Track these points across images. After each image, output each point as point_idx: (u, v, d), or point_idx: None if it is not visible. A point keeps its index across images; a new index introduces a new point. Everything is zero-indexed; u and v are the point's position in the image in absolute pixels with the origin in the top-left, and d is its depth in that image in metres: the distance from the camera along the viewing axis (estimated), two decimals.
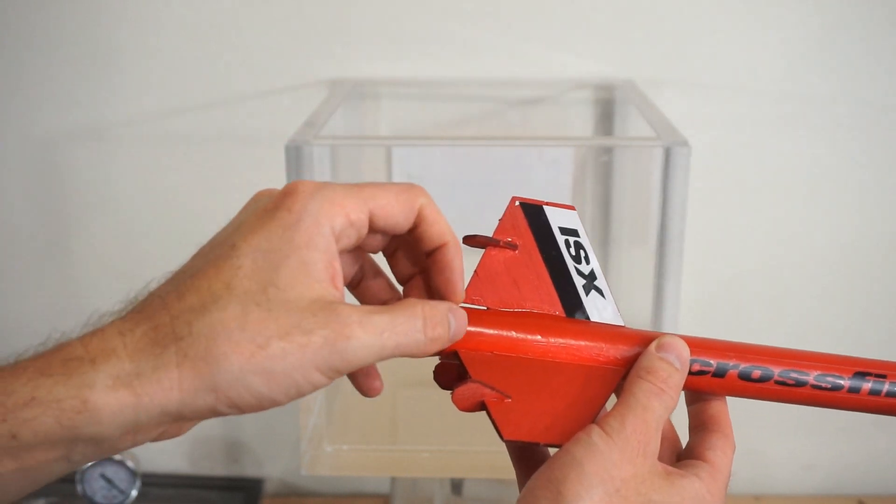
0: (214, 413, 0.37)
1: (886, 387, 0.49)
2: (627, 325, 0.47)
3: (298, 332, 0.37)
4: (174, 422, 0.37)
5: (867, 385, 0.49)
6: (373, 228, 0.42)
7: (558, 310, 0.46)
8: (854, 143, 0.99)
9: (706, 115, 0.97)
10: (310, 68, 0.97)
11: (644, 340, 0.46)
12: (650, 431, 0.42)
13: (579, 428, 0.42)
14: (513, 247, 0.47)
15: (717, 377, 0.48)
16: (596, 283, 0.48)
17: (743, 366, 0.48)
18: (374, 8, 0.95)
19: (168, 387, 0.36)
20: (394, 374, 0.99)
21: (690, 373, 0.46)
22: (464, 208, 1.03)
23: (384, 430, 0.86)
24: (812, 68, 0.96)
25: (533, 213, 0.48)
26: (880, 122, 0.98)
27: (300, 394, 0.38)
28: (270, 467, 1.12)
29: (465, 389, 0.43)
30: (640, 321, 0.79)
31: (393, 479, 0.96)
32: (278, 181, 0.74)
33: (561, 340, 0.45)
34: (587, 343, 0.45)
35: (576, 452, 0.40)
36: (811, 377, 0.48)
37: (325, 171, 0.88)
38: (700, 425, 0.48)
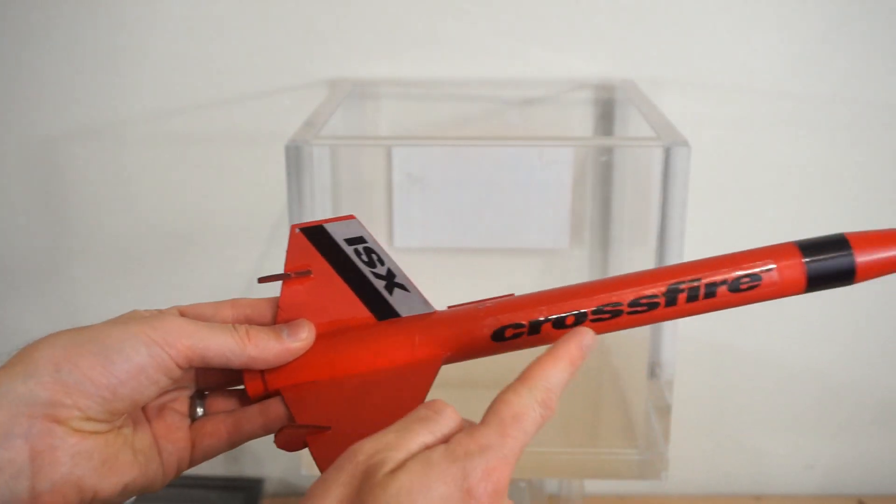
0: None
1: (703, 290, 0.48)
2: (442, 309, 0.47)
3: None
4: None
5: (683, 295, 0.48)
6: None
7: (368, 319, 0.47)
8: (854, 143, 0.99)
9: (706, 115, 0.97)
10: (310, 68, 0.97)
11: (454, 319, 0.46)
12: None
13: None
14: (306, 273, 0.47)
15: (533, 335, 0.46)
16: (396, 280, 0.47)
17: (555, 316, 0.46)
18: (373, 8, 0.95)
19: None
20: None
21: (505, 338, 0.46)
22: (464, 208, 1.03)
23: None
24: (812, 68, 0.96)
25: (316, 235, 0.47)
26: (880, 122, 0.98)
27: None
28: (270, 467, 1.12)
29: (284, 434, 0.43)
30: None
31: None
32: (278, 181, 0.75)
33: (375, 346, 0.45)
34: (399, 340, 0.46)
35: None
36: (625, 305, 0.46)
37: (324, 171, 0.88)
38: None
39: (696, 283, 0.48)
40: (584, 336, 0.42)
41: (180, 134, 0.99)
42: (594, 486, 1.08)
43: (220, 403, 0.47)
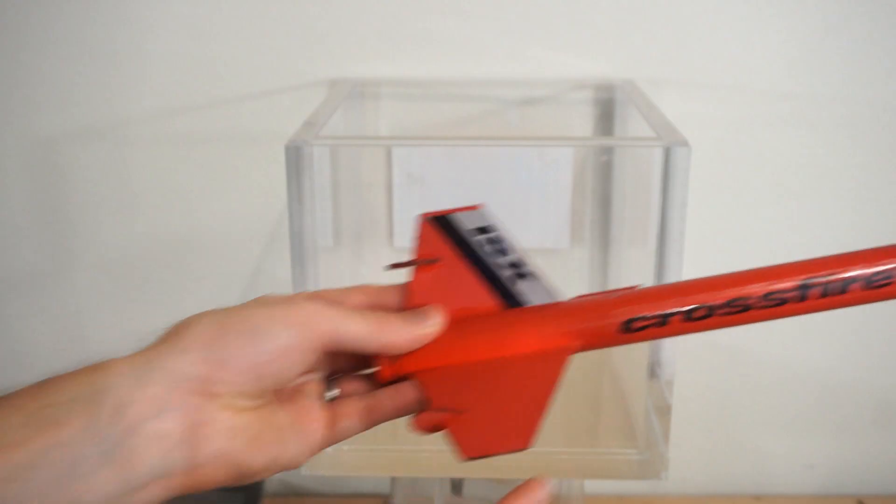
0: None
1: (837, 286, 0.49)
2: (554, 305, 0.48)
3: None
4: None
5: (816, 291, 0.49)
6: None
7: (495, 308, 0.47)
8: (854, 143, 0.99)
9: (706, 115, 0.97)
10: (310, 68, 0.97)
11: (582, 310, 0.47)
12: None
13: (532, 423, 0.42)
14: (434, 262, 0.48)
15: (662, 327, 0.47)
16: (523, 269, 0.48)
17: (686, 308, 0.47)
18: (373, 8, 0.95)
19: None
20: None
21: (633, 330, 0.47)
22: None
23: (384, 430, 0.86)
24: (812, 68, 0.96)
25: (444, 224, 0.49)
26: (880, 122, 0.98)
27: None
28: None
29: (422, 418, 0.44)
30: None
31: (393, 479, 0.96)
32: (278, 181, 0.75)
33: (503, 335, 0.46)
34: (527, 329, 0.46)
35: None
36: (756, 299, 0.47)
37: (325, 172, 0.88)
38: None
39: (830, 279, 0.49)
40: (537, 492, 0.42)
41: (180, 134, 0.99)
42: (594, 486, 1.08)
43: (350, 387, 0.48)
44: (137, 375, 0.40)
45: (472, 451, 0.42)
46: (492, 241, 0.48)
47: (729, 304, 0.47)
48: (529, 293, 0.48)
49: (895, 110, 0.98)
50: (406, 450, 0.81)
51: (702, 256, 1.00)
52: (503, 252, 0.48)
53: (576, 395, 0.92)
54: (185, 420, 0.40)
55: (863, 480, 1.11)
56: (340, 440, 0.47)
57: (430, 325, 0.46)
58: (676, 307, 0.47)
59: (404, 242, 1.01)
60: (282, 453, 0.43)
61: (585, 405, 0.91)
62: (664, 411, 0.78)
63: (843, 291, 0.49)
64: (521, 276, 0.48)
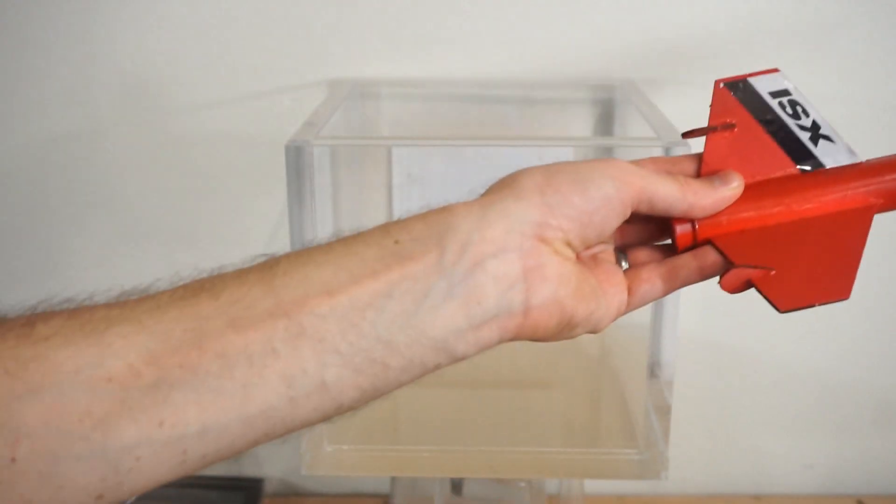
0: None
1: None
2: (854, 165, 0.48)
3: None
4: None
5: None
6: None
7: (793, 170, 0.48)
8: (854, 144, 0.98)
9: (706, 115, 0.97)
10: (310, 68, 0.97)
11: (882, 167, 0.48)
12: None
13: (848, 276, 0.45)
14: (730, 127, 0.49)
15: None
16: (821, 131, 0.49)
17: None
18: (373, 8, 0.95)
19: None
20: None
21: None
22: None
23: (384, 430, 0.86)
24: (812, 68, 0.96)
25: (739, 89, 0.50)
26: (880, 122, 0.98)
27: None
28: (270, 467, 1.12)
29: (731, 276, 0.45)
30: (641, 321, 0.79)
31: (393, 479, 0.96)
32: (278, 181, 0.74)
33: (803, 196, 0.47)
34: (828, 190, 0.47)
35: None
36: None
37: (325, 171, 0.88)
38: None
39: None
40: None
41: (180, 134, 0.99)
42: (594, 486, 1.08)
43: (643, 256, 0.49)
44: (479, 217, 0.42)
45: (790, 302, 0.45)
46: (788, 105, 0.49)
47: None
48: (827, 155, 0.48)
49: (895, 110, 0.98)
50: (406, 450, 0.81)
51: None
52: (799, 115, 0.49)
53: (576, 395, 0.92)
54: (523, 262, 0.41)
55: (863, 480, 1.11)
56: (642, 304, 0.48)
57: (732, 188, 0.47)
58: None
59: None
60: (597, 309, 0.45)
61: (585, 405, 0.91)
62: (664, 411, 0.78)
63: None
64: (819, 138, 0.49)
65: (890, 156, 0.49)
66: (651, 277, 0.48)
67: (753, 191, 0.47)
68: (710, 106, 0.49)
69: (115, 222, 1.03)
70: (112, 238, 1.04)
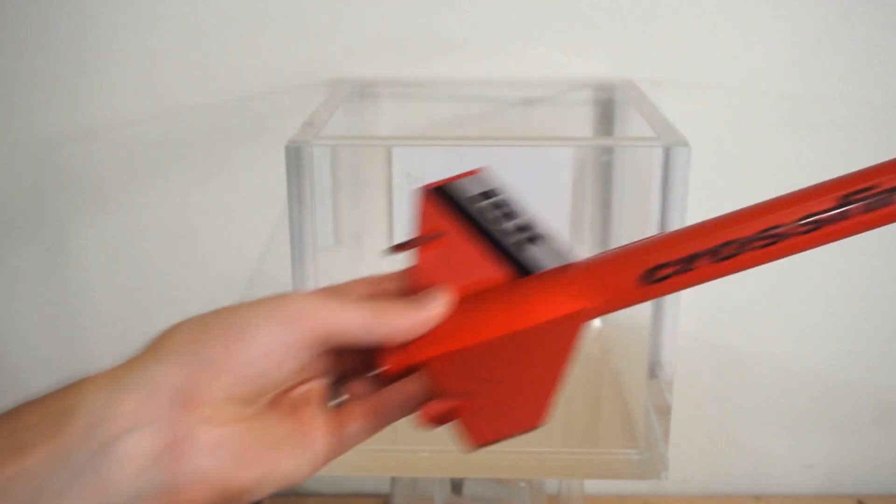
0: None
1: (878, 199, 0.43)
2: (582, 259, 0.44)
3: None
4: None
5: (857, 206, 0.43)
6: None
7: (508, 276, 0.43)
8: (854, 143, 0.99)
9: (706, 115, 0.97)
10: (310, 68, 0.97)
11: (595, 267, 0.43)
12: None
13: (544, 399, 0.39)
14: (438, 236, 0.44)
15: (687, 272, 0.42)
16: (534, 231, 0.44)
17: (712, 248, 0.42)
18: (373, 8, 0.95)
19: None
20: None
21: (656, 280, 0.42)
22: None
23: (384, 430, 0.86)
24: (812, 68, 0.96)
25: (445, 194, 0.45)
26: (880, 122, 0.98)
27: None
28: None
29: (428, 409, 0.40)
30: (641, 321, 0.79)
31: (393, 479, 0.96)
32: (278, 181, 0.74)
33: (514, 307, 0.42)
34: (539, 297, 0.42)
35: None
36: (789, 226, 0.42)
37: (325, 171, 0.88)
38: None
39: (871, 192, 0.42)
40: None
41: (180, 134, 0.99)
42: (594, 486, 1.08)
43: (361, 390, 0.44)
44: (110, 390, 0.37)
45: (482, 437, 0.39)
46: (497, 206, 0.45)
47: (760, 235, 0.42)
48: (541, 258, 0.44)
49: (895, 110, 0.98)
50: (406, 450, 0.81)
51: None
52: (510, 216, 0.44)
53: (576, 395, 0.92)
54: (163, 436, 0.36)
55: (862, 480, 1.11)
56: (348, 448, 0.43)
57: (433, 307, 0.42)
58: (701, 247, 0.42)
59: None
60: (275, 468, 0.39)
61: (585, 405, 0.91)
62: (664, 411, 0.78)
63: (886, 203, 0.42)
64: (532, 239, 0.44)
65: (606, 252, 0.44)
66: (355, 416, 0.43)
67: (467, 305, 0.42)
68: (417, 214, 0.44)
69: (115, 222, 1.03)
70: (112, 237, 1.04)
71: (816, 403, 1.08)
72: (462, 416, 0.40)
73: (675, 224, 0.73)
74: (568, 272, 0.43)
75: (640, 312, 0.80)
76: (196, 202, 1.02)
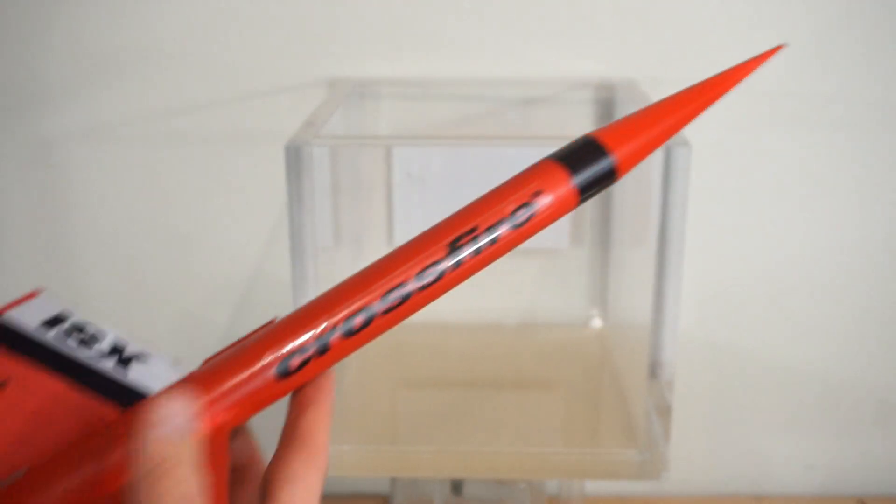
0: None
1: (483, 241, 0.41)
2: (189, 378, 0.36)
3: None
4: None
5: (468, 251, 0.41)
6: None
7: (109, 410, 0.35)
8: (854, 143, 0.99)
9: (706, 115, 0.97)
10: (310, 68, 0.97)
11: (218, 373, 0.35)
12: None
13: None
14: (1, 385, 0.35)
15: (324, 354, 0.37)
16: (127, 351, 0.37)
17: (341, 324, 0.37)
18: (373, 8, 0.95)
19: None
20: (394, 374, 0.99)
21: (293, 371, 0.36)
22: None
23: (384, 430, 0.86)
24: (812, 68, 0.96)
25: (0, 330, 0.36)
26: (880, 122, 0.98)
27: None
28: None
29: None
30: (641, 321, 0.79)
31: (393, 479, 0.96)
32: (278, 181, 0.74)
33: (106, 449, 0.33)
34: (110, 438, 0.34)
35: None
36: (411, 284, 0.39)
37: (324, 172, 0.88)
38: (286, 437, 0.36)
39: (475, 234, 0.41)
40: (330, 379, 0.37)
41: (180, 134, 0.99)
42: (594, 486, 1.08)
43: None
44: None
45: None
46: (73, 331, 0.37)
47: (385, 297, 0.38)
48: (148, 378, 0.37)
49: (895, 110, 0.98)
50: (406, 450, 0.81)
51: (702, 256, 1.01)
52: (93, 340, 0.37)
53: (576, 395, 0.92)
54: None
55: (863, 481, 1.11)
56: None
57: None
58: (329, 326, 0.37)
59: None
60: None
61: (585, 405, 0.91)
62: (664, 411, 0.78)
63: (494, 242, 0.41)
64: (129, 360, 0.37)
65: (220, 353, 0.37)
66: None
67: (68, 459, 0.33)
68: None
69: (114, 222, 1.03)
70: (111, 237, 1.04)
71: (817, 404, 1.08)
72: None
73: (676, 224, 0.73)
74: (192, 382, 0.35)
75: (641, 312, 0.80)
76: (196, 202, 1.02)
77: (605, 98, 0.97)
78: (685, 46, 0.96)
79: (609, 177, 0.44)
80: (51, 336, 0.37)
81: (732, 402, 1.09)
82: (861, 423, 1.09)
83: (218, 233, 1.04)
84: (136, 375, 0.36)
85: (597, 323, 1.03)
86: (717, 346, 1.06)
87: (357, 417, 0.87)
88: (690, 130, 0.76)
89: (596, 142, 0.44)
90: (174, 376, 0.36)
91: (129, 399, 0.36)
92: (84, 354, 0.36)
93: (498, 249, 0.42)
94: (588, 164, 0.44)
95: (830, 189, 1.00)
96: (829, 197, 1.01)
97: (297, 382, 0.37)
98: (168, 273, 1.05)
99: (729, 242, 1.03)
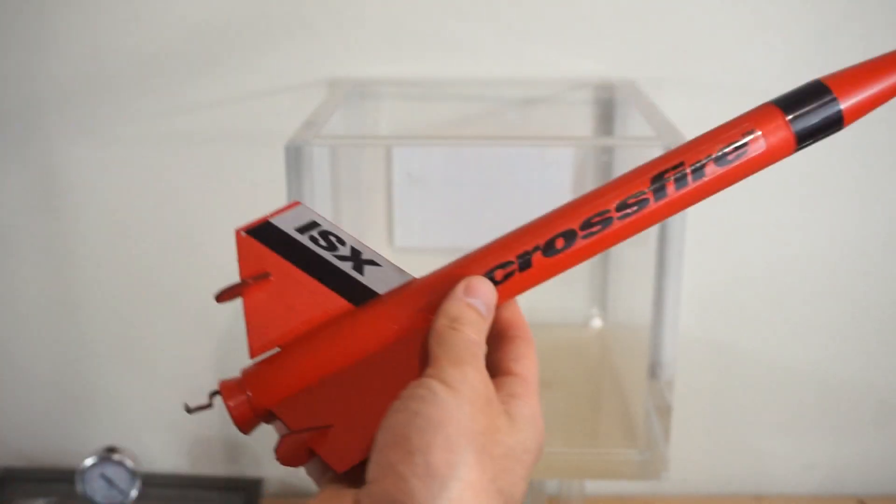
0: None
1: (690, 175, 0.44)
2: (428, 275, 0.43)
3: None
4: None
5: (671, 186, 0.43)
6: None
7: (345, 306, 0.42)
8: (854, 143, 0.99)
9: (706, 115, 0.97)
10: (310, 68, 0.96)
11: (432, 281, 0.42)
12: (485, 377, 0.39)
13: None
14: (263, 277, 0.43)
15: (525, 270, 0.42)
16: (363, 257, 0.43)
17: (544, 241, 0.42)
18: (373, 8, 0.95)
19: None
20: None
21: (495, 282, 0.42)
22: (464, 208, 1.03)
23: None
24: (812, 68, 0.96)
25: (264, 233, 0.44)
26: (881, 122, 0.98)
27: None
28: (270, 467, 1.12)
29: (285, 445, 0.38)
30: (641, 321, 0.79)
31: None
32: (278, 181, 0.74)
33: (358, 333, 0.41)
34: (382, 320, 0.41)
35: (430, 414, 0.36)
36: (613, 210, 0.42)
37: (324, 172, 0.88)
38: (498, 334, 0.43)
39: (680, 168, 0.43)
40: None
41: (180, 134, 0.99)
42: (594, 486, 1.08)
43: None
44: None
45: (345, 462, 0.37)
46: (321, 237, 0.43)
47: (588, 223, 0.42)
48: (376, 281, 0.42)
49: (895, 109, 0.98)
50: None
51: (702, 256, 1.01)
52: (335, 245, 0.43)
53: (576, 395, 0.92)
54: None
55: (863, 480, 1.11)
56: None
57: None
58: (533, 244, 0.42)
59: (405, 242, 1.01)
60: None
61: (585, 405, 0.91)
62: (664, 411, 0.78)
63: (700, 176, 0.44)
64: (363, 264, 0.43)
65: (442, 268, 0.43)
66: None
67: (308, 342, 0.41)
68: (238, 259, 0.43)
69: (115, 222, 1.03)
70: (111, 236, 1.04)
71: (817, 403, 1.08)
72: (319, 447, 0.38)
73: (676, 224, 0.73)
74: (406, 291, 0.42)
75: (641, 312, 0.80)
76: (196, 202, 1.02)
77: (605, 98, 0.97)
78: (685, 46, 0.96)
79: (833, 125, 0.45)
80: (305, 239, 0.43)
81: (732, 402, 1.09)
82: (860, 423, 1.09)
83: (218, 232, 1.03)
84: (369, 277, 0.42)
85: (597, 323, 1.03)
86: (717, 346, 1.06)
87: None
88: (690, 130, 0.76)
89: (824, 87, 0.46)
90: (399, 281, 0.42)
91: (362, 296, 0.42)
92: (329, 255, 0.43)
93: (704, 187, 0.44)
94: (811, 109, 0.45)
95: (830, 189, 1.00)
96: (829, 197, 1.01)
97: (498, 294, 0.42)
98: (168, 272, 1.05)
99: (729, 242, 1.03)
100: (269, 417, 0.41)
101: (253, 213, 1.13)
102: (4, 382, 1.10)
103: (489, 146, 0.94)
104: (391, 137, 1.01)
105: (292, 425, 0.39)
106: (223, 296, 0.43)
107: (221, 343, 1.06)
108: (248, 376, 0.41)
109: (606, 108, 0.98)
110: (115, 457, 0.99)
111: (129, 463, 0.99)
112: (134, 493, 1.00)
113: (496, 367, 0.41)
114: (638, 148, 0.92)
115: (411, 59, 0.96)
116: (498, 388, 0.40)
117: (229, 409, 0.40)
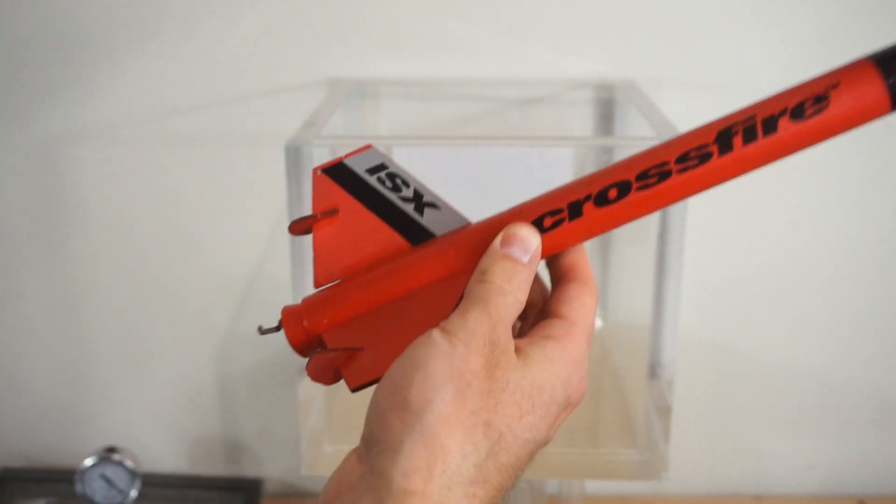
0: None
1: (760, 128, 0.42)
2: (482, 221, 0.45)
3: None
4: None
5: (739, 140, 0.42)
6: None
7: (403, 244, 0.45)
8: (854, 143, 0.98)
9: (706, 115, 0.97)
10: (310, 68, 0.96)
11: (490, 223, 0.44)
12: (495, 322, 0.39)
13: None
14: (332, 212, 0.46)
15: (575, 218, 0.43)
16: (424, 199, 0.46)
17: (597, 191, 0.42)
18: (373, 8, 0.95)
19: None
20: None
21: (544, 229, 0.43)
22: (463, 208, 1.03)
23: None
24: (812, 68, 0.96)
25: (337, 173, 0.47)
26: (880, 122, 0.98)
27: None
28: (270, 467, 1.12)
29: (317, 360, 0.42)
30: (641, 321, 0.79)
31: None
32: (278, 181, 0.74)
33: (412, 269, 0.44)
34: (437, 258, 0.44)
35: (417, 355, 0.38)
36: (672, 163, 0.41)
37: None
38: (558, 278, 0.44)
39: (750, 121, 0.41)
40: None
41: (180, 134, 0.99)
42: (594, 486, 1.08)
43: None
44: None
45: (358, 379, 0.41)
46: (387, 179, 0.46)
47: (644, 174, 0.40)
48: (435, 223, 0.46)
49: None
50: None
51: (702, 256, 1.01)
52: (400, 187, 0.46)
53: None
54: None
55: (863, 480, 1.11)
56: None
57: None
58: (585, 193, 0.42)
59: None
60: None
61: (585, 405, 0.91)
62: (664, 411, 0.78)
63: (772, 130, 0.41)
64: (424, 206, 0.46)
65: (499, 213, 0.45)
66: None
67: (366, 276, 0.45)
68: (312, 195, 0.46)
69: (115, 222, 1.03)
70: (111, 238, 1.04)
71: (817, 403, 1.08)
72: (345, 370, 0.42)
73: (676, 224, 0.73)
74: (460, 233, 0.45)
75: (641, 312, 0.80)
76: (196, 202, 1.02)
77: (605, 98, 0.97)
78: (685, 47, 0.96)
79: None
80: (373, 180, 0.46)
81: (732, 402, 1.09)
82: (861, 423, 1.09)
83: (218, 232, 1.03)
84: (428, 219, 0.46)
85: (597, 323, 1.03)
86: (718, 346, 1.06)
87: (357, 417, 0.87)
88: None
89: None
90: (456, 225, 0.45)
91: (419, 237, 0.45)
92: (394, 196, 0.46)
93: (777, 144, 0.42)
94: None
95: (831, 189, 1.00)
96: (830, 197, 1.01)
97: (548, 244, 0.43)
98: (168, 272, 1.05)
99: (729, 242, 1.03)
100: (321, 343, 0.44)
101: (253, 213, 1.13)
102: (4, 382, 1.10)
103: (489, 146, 0.94)
104: (391, 137, 1.01)
105: (330, 346, 0.42)
106: (296, 226, 0.45)
107: (221, 343, 1.06)
108: (307, 304, 0.44)
109: (606, 108, 0.98)
110: (115, 457, 0.99)
111: (128, 463, 0.99)
112: (134, 493, 1.00)
113: (549, 309, 0.43)
114: (638, 148, 0.92)
115: (411, 59, 0.96)
116: (538, 329, 0.41)
117: (287, 333, 0.44)
